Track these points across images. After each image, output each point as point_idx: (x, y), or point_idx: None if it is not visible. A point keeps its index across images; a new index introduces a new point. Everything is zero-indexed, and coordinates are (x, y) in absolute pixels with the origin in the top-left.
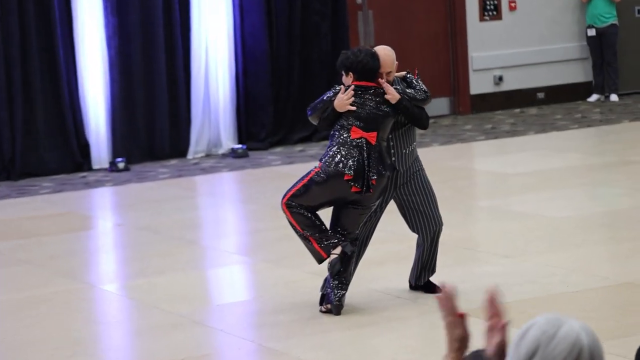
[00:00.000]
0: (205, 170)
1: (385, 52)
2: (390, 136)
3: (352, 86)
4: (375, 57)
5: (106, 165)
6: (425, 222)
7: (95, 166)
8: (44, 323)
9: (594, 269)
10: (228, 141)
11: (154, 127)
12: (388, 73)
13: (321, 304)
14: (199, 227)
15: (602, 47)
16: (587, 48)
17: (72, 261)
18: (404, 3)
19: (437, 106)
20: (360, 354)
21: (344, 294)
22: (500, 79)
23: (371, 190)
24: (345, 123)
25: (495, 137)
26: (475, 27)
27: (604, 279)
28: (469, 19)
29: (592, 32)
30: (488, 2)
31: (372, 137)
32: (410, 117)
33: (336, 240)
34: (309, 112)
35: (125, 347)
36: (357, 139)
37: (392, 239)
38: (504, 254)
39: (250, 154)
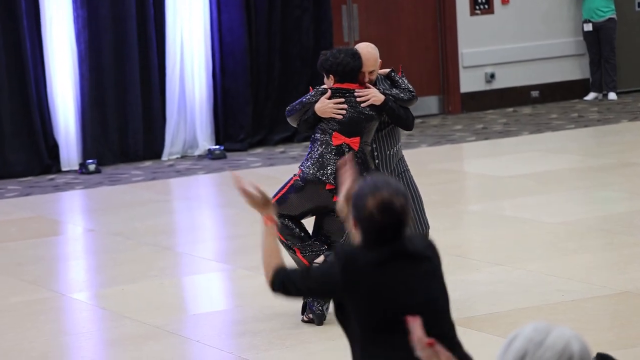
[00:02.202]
0: (181, 173)
1: (367, 50)
2: (373, 137)
3: (330, 91)
4: (356, 56)
5: (76, 167)
6: (410, 225)
7: (64, 168)
8: (7, 335)
9: (591, 277)
10: (205, 142)
11: (127, 127)
12: (371, 72)
13: (303, 313)
14: (175, 232)
15: (599, 42)
16: (583, 44)
17: (40, 268)
18: None
19: (426, 105)
20: None
21: (326, 303)
22: (492, 76)
23: None
24: (326, 127)
25: (487, 138)
26: (466, 22)
27: (602, 287)
28: (459, 13)
29: (588, 27)
30: None
31: (354, 142)
32: (396, 118)
33: (318, 251)
34: (288, 113)
35: (96, 358)
36: (339, 145)
37: None
38: (496, 262)
39: (228, 156)
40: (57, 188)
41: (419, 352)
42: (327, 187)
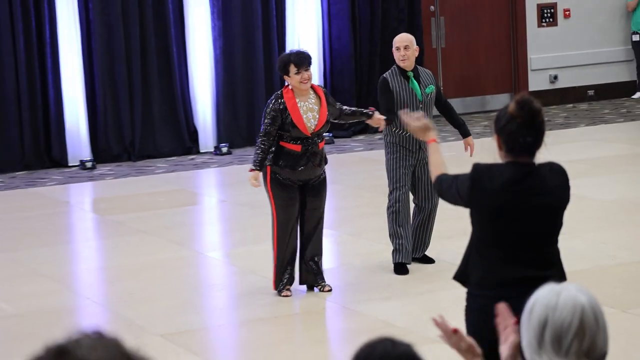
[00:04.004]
0: None
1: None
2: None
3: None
4: None
5: (212, 149)
6: (428, 193)
7: (202, 150)
8: (159, 284)
9: (636, 245)
10: None
11: (253, 116)
12: (406, 47)
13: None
14: None
15: None
16: (632, 51)
17: (182, 231)
18: (472, 10)
19: (500, 102)
20: (431, 315)
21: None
22: (555, 77)
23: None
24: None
25: (550, 129)
26: (534, 32)
27: None
28: (529, 25)
29: (636, 38)
30: (545, 11)
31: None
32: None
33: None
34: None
35: (227, 307)
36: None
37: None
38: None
39: (335, 141)
40: (196, 166)
41: (445, 339)
42: None
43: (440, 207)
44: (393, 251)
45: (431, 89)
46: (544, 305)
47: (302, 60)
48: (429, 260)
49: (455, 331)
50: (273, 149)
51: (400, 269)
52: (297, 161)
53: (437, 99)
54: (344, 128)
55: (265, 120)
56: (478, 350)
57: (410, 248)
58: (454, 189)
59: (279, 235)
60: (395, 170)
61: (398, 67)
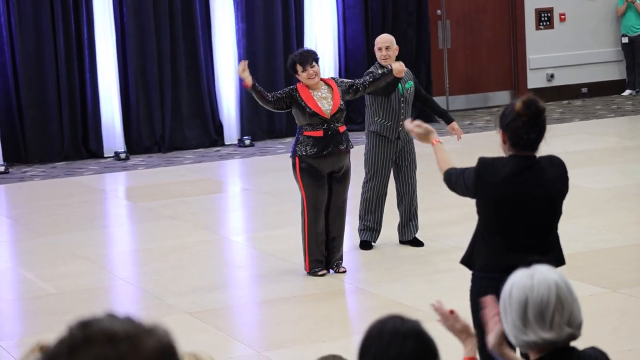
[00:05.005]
0: None
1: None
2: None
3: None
4: None
5: (236, 142)
6: (409, 179)
7: (227, 142)
8: (186, 265)
9: (626, 230)
10: None
11: (274, 112)
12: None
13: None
14: None
15: (633, 51)
16: (621, 52)
17: (208, 217)
18: (475, 14)
19: (501, 98)
20: (438, 295)
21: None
22: (552, 76)
23: None
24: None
25: (547, 124)
26: (532, 35)
27: (634, 238)
28: (527, 28)
29: (625, 40)
30: (543, 15)
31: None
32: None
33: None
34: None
35: (250, 287)
36: None
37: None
38: None
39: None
40: (221, 157)
41: (443, 322)
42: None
43: (444, 194)
44: (359, 230)
45: (410, 84)
46: (521, 288)
47: (305, 58)
48: (419, 243)
49: (452, 312)
50: (300, 140)
51: (365, 245)
52: (323, 146)
53: (417, 93)
54: (357, 122)
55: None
56: (472, 330)
57: (378, 228)
58: (462, 181)
59: (310, 220)
60: (372, 161)
61: (380, 64)
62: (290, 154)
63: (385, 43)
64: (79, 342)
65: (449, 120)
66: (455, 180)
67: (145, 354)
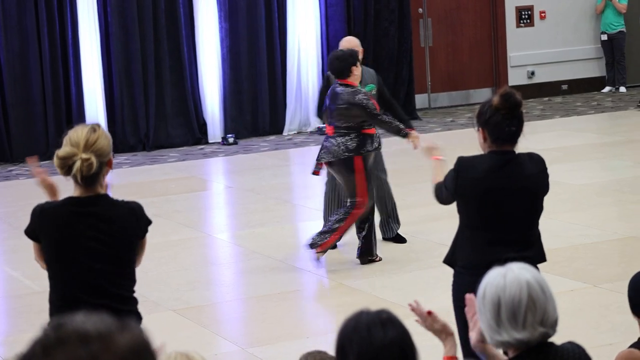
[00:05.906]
0: (297, 144)
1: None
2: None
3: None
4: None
5: (219, 139)
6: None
7: (210, 140)
8: (170, 263)
9: (605, 225)
10: (315, 122)
11: (257, 110)
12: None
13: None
14: (292, 189)
15: (612, 48)
16: (601, 49)
17: (192, 215)
18: (457, 13)
19: (482, 95)
20: (420, 290)
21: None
22: (533, 73)
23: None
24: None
25: (528, 120)
26: (513, 32)
27: (614, 233)
28: (508, 25)
29: (604, 37)
30: (523, 12)
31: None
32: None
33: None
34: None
35: (234, 284)
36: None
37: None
38: None
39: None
40: (205, 155)
41: (421, 322)
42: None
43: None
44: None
45: (371, 87)
46: (494, 287)
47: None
48: (401, 240)
49: (430, 313)
50: (361, 138)
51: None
52: (378, 141)
53: (380, 95)
54: None
55: (369, 104)
56: (450, 330)
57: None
58: (443, 187)
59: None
60: None
61: None
62: (344, 155)
63: (350, 45)
64: (52, 342)
65: (409, 128)
66: (438, 189)
67: (118, 352)
